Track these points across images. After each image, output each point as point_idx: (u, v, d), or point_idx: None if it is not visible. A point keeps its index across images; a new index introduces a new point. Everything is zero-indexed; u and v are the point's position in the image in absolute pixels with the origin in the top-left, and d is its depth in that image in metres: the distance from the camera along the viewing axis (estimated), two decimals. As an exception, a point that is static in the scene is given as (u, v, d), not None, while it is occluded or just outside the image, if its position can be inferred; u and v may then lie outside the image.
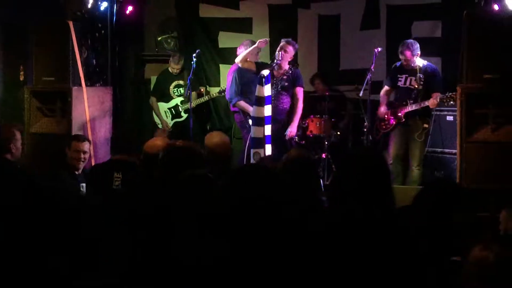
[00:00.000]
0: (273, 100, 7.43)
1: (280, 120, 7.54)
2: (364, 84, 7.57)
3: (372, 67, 7.52)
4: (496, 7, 6.79)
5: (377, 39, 8.57)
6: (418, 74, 7.42)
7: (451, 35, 8.20)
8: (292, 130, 7.53)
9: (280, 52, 7.46)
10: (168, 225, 2.83)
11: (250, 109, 7.70)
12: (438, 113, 7.88)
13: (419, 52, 7.45)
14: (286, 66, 7.59)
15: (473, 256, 3.28)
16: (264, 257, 2.31)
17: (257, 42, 7.67)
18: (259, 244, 2.33)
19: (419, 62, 7.49)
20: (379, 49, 7.53)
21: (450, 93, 7.08)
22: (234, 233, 2.35)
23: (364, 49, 8.54)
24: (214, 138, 5.15)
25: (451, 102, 7.13)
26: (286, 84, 7.54)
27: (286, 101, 7.57)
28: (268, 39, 7.85)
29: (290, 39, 7.59)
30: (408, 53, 7.38)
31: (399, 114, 7.56)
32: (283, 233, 2.39)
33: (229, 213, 2.38)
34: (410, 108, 7.45)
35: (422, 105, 7.36)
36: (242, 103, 7.95)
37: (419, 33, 8.59)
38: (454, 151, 6.82)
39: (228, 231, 2.37)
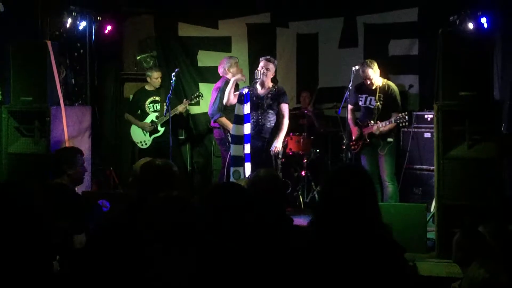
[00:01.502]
0: (261, 119, 7.46)
1: (266, 138, 7.52)
2: (343, 102, 7.65)
3: (350, 85, 7.59)
4: (470, 25, 6.90)
5: (355, 57, 8.65)
6: (378, 94, 7.48)
7: (428, 52, 8.32)
8: (277, 146, 7.47)
9: (261, 70, 7.46)
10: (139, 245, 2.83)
11: (230, 126, 7.73)
12: (416, 130, 7.97)
13: (378, 71, 7.51)
14: (269, 84, 7.59)
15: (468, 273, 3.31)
16: (238, 271, 2.32)
17: (234, 77, 7.67)
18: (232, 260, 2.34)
19: (379, 81, 7.55)
20: (357, 67, 7.59)
21: (402, 114, 7.26)
22: (206, 248, 2.37)
23: (342, 67, 8.63)
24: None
25: (406, 123, 7.31)
26: (271, 102, 7.53)
27: (272, 119, 7.56)
28: (244, 77, 7.85)
29: (269, 57, 7.61)
30: (368, 71, 7.44)
31: (363, 134, 7.63)
32: (254, 248, 2.41)
33: (202, 228, 2.40)
34: (370, 130, 7.51)
35: (377, 128, 7.43)
36: (224, 120, 7.97)
37: (396, 51, 8.71)
38: (432, 167, 6.89)
39: (201, 245, 2.38)
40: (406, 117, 7.29)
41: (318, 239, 2.69)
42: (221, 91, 7.95)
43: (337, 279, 2.56)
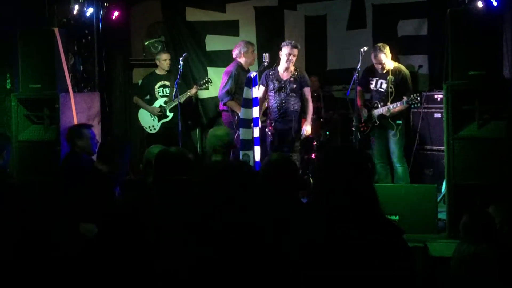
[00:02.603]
0: (284, 103, 7.56)
1: (291, 120, 7.61)
2: (351, 84, 7.61)
3: (358, 67, 7.55)
4: (480, 4, 6.82)
5: (363, 39, 8.61)
6: (389, 77, 7.46)
7: (437, 32, 8.26)
8: (307, 128, 7.63)
9: (288, 57, 7.51)
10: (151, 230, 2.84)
11: (240, 110, 7.75)
12: (426, 110, 7.93)
13: (389, 55, 7.48)
14: (292, 68, 7.65)
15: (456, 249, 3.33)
16: (245, 259, 2.32)
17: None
18: (240, 245, 2.34)
19: (390, 64, 7.52)
20: (365, 48, 7.56)
21: (414, 95, 7.27)
22: (215, 234, 2.36)
23: (351, 48, 8.58)
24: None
25: (418, 104, 7.35)
26: (295, 86, 7.61)
27: (295, 102, 7.64)
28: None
29: (293, 42, 7.61)
30: (381, 56, 7.42)
31: (373, 116, 7.63)
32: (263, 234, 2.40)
33: (209, 213, 2.40)
34: (381, 111, 7.50)
35: (387, 109, 7.43)
36: (233, 103, 8.00)
37: (405, 32, 8.66)
38: (442, 148, 6.85)
39: (209, 232, 2.38)
40: (418, 98, 7.29)
41: (315, 219, 2.69)
42: (233, 74, 7.96)
43: (338, 264, 2.55)
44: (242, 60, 8.10)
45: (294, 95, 7.61)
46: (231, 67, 8.15)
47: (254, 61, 8.25)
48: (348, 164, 2.73)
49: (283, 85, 7.61)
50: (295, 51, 7.55)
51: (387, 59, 7.47)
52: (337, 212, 2.64)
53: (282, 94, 7.59)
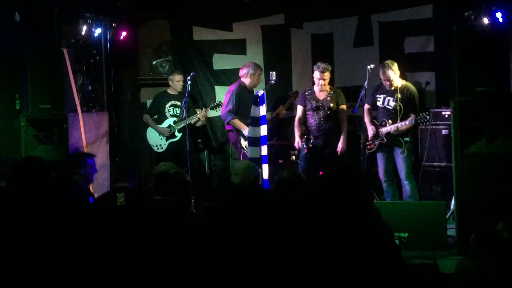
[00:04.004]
0: (323, 121, 7.88)
1: (330, 138, 7.95)
2: (359, 101, 7.62)
3: (365, 84, 7.57)
4: (485, 20, 6.85)
5: (370, 56, 8.63)
6: (397, 94, 7.47)
7: (443, 49, 8.27)
8: (343, 146, 7.85)
9: (318, 81, 7.83)
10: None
11: (244, 128, 7.93)
12: (433, 127, 7.92)
13: (397, 72, 7.50)
14: (327, 87, 7.91)
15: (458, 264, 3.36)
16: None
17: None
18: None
19: (398, 82, 7.54)
20: (372, 65, 7.59)
21: (423, 114, 7.31)
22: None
23: (357, 66, 8.60)
24: None
25: (427, 123, 7.45)
26: (331, 104, 7.86)
27: (333, 121, 7.92)
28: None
29: (321, 66, 7.84)
30: (389, 72, 7.44)
31: (380, 134, 7.63)
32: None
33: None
34: (388, 129, 7.51)
35: (395, 128, 7.47)
36: (237, 121, 8.06)
37: (412, 49, 8.67)
38: (450, 164, 6.83)
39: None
40: (427, 116, 7.31)
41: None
42: (234, 94, 8.04)
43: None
44: (246, 80, 8.18)
45: (332, 113, 7.86)
46: (233, 86, 8.25)
47: (257, 85, 8.30)
48: (345, 182, 2.80)
49: (320, 104, 7.86)
50: (324, 75, 7.81)
51: (395, 76, 7.49)
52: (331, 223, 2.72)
53: (320, 113, 7.86)
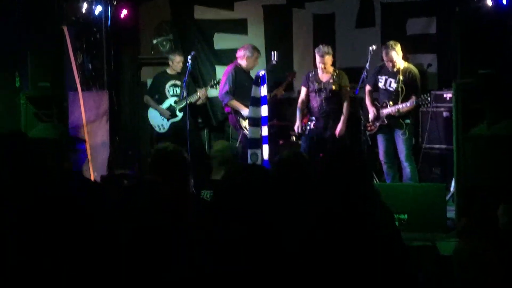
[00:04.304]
0: (324, 103, 7.81)
1: (331, 121, 7.86)
2: (360, 82, 7.59)
3: (367, 65, 7.53)
4: (489, 2, 6.79)
5: (372, 37, 8.57)
6: (399, 76, 7.44)
7: (446, 31, 8.22)
8: (341, 128, 7.78)
9: (319, 65, 7.77)
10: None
11: (242, 108, 7.90)
12: (434, 109, 7.89)
13: (400, 53, 7.46)
14: (330, 69, 7.87)
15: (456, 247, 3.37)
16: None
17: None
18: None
19: (401, 63, 7.50)
20: (374, 47, 7.55)
21: (424, 95, 7.28)
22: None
23: (359, 47, 8.55)
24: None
25: (428, 105, 7.43)
26: (333, 87, 7.80)
27: (335, 103, 7.84)
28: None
29: (321, 49, 7.77)
30: (392, 53, 7.40)
31: (381, 115, 7.61)
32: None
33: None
34: (389, 111, 7.49)
35: (397, 109, 7.43)
36: (235, 102, 8.04)
37: (414, 30, 8.62)
38: (451, 146, 6.83)
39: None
40: (429, 98, 7.29)
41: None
42: (231, 75, 8.06)
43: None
44: (243, 62, 8.15)
45: (334, 95, 7.81)
46: (229, 67, 8.23)
47: (254, 67, 8.25)
48: (345, 164, 2.80)
49: (322, 86, 7.81)
50: (324, 59, 7.74)
51: (398, 58, 7.44)
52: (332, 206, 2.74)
53: (322, 95, 7.80)
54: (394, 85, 7.51)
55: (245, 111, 7.83)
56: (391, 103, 7.51)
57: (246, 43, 8.41)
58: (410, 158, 7.54)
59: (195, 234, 2.68)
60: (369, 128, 7.72)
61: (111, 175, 5.68)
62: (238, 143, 7.99)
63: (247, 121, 7.79)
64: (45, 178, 3.37)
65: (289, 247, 2.45)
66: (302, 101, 8.00)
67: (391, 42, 7.47)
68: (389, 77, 7.57)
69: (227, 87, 8.06)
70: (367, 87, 7.75)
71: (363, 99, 7.81)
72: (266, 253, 2.33)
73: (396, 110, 7.44)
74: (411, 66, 7.59)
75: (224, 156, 5.05)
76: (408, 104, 7.38)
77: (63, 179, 4.41)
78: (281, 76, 8.79)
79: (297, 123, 7.95)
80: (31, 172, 3.56)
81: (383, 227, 2.86)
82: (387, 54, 7.45)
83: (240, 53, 8.21)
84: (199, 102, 8.65)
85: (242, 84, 8.02)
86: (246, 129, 7.84)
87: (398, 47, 7.43)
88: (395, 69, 7.49)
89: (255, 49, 8.24)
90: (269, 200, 2.42)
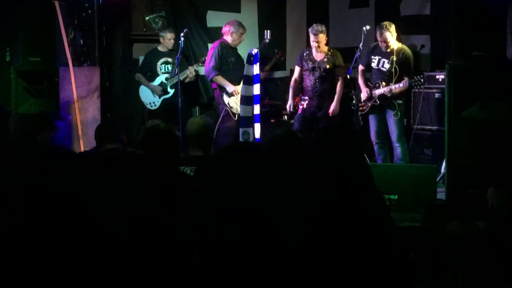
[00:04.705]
0: (318, 82, 7.75)
1: (325, 100, 7.82)
2: (353, 63, 7.58)
3: (360, 45, 7.52)
4: (484, -16, 6.78)
5: (366, 17, 8.55)
6: (392, 56, 7.42)
7: (440, 12, 8.19)
8: (335, 108, 7.74)
9: (313, 44, 7.70)
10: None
11: (227, 84, 7.94)
12: (427, 90, 7.90)
13: (394, 34, 7.44)
14: (325, 48, 7.81)
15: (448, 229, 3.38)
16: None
17: (229, 87, 7.97)
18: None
19: (395, 44, 7.48)
20: (368, 27, 7.53)
21: (418, 76, 7.30)
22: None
23: (353, 27, 8.53)
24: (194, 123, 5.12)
25: (421, 86, 7.44)
26: (328, 66, 7.74)
27: (329, 82, 7.80)
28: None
29: (314, 28, 7.70)
30: (386, 34, 7.38)
31: (373, 96, 7.61)
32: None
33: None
34: (382, 91, 7.49)
35: (389, 90, 7.43)
36: (220, 78, 8.04)
37: (408, 11, 8.59)
38: (442, 128, 6.85)
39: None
40: (422, 79, 7.29)
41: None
42: (216, 50, 8.04)
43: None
44: (228, 38, 8.15)
45: (328, 75, 7.75)
46: (215, 43, 8.21)
47: (239, 44, 8.24)
48: (338, 142, 2.80)
49: (316, 65, 7.76)
50: (318, 37, 7.66)
51: (392, 38, 7.42)
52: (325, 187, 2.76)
53: (316, 74, 7.75)
54: (387, 65, 7.50)
55: (230, 88, 7.88)
56: (383, 83, 7.51)
57: (232, 19, 8.36)
58: (401, 138, 7.55)
59: (187, 214, 2.66)
60: (361, 108, 7.72)
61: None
62: (219, 119, 7.98)
63: (231, 98, 7.83)
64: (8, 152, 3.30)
65: (286, 237, 2.44)
66: (295, 80, 7.97)
67: (386, 23, 7.45)
68: (383, 57, 7.56)
69: (212, 63, 8.04)
70: (360, 67, 7.73)
71: (356, 79, 7.79)
72: (262, 242, 2.32)
73: (389, 90, 7.44)
74: (405, 47, 7.57)
75: (199, 132, 4.96)
76: (401, 85, 7.38)
77: (28, 152, 4.34)
78: (271, 55, 8.76)
79: (289, 102, 7.93)
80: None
81: (374, 209, 2.85)
82: (381, 34, 7.43)
83: (225, 29, 8.19)
84: (187, 80, 8.61)
85: (227, 60, 8.02)
86: (229, 105, 7.86)
87: (393, 28, 7.41)
88: (388, 50, 7.48)
89: (240, 25, 8.19)
90: (264, 183, 2.39)
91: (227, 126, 8.06)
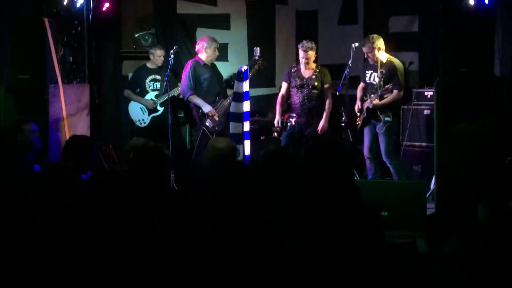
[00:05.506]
0: (306, 99, 7.78)
1: (313, 117, 7.84)
2: (342, 79, 7.62)
3: (349, 62, 7.55)
4: (471, 1, 6.84)
5: (355, 34, 8.60)
6: (380, 70, 7.45)
7: (428, 29, 8.27)
8: (323, 125, 7.76)
9: (302, 60, 7.74)
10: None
11: (203, 104, 7.98)
12: (416, 107, 7.94)
13: (380, 47, 7.46)
14: (313, 65, 7.83)
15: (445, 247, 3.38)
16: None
17: (206, 108, 8.00)
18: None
19: (382, 57, 7.51)
20: (356, 44, 7.57)
21: (388, 85, 7.31)
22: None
23: (342, 44, 8.58)
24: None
25: (388, 94, 7.38)
26: (316, 83, 7.76)
27: (316, 99, 7.82)
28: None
29: (304, 44, 7.74)
30: (367, 46, 7.42)
31: (363, 109, 7.64)
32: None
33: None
34: (367, 104, 7.52)
35: (369, 102, 7.47)
36: (194, 97, 8.05)
37: (396, 28, 8.67)
38: (431, 144, 6.88)
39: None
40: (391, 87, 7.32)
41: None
42: (189, 70, 8.06)
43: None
44: (203, 55, 8.14)
45: (316, 92, 7.77)
46: (189, 63, 8.21)
47: (215, 58, 8.25)
48: (326, 158, 2.83)
49: (305, 82, 7.77)
50: (308, 54, 7.70)
51: (375, 50, 7.43)
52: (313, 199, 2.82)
53: (304, 91, 7.76)
54: (377, 79, 7.51)
55: (205, 108, 7.91)
56: (372, 96, 7.52)
57: (205, 36, 8.37)
58: (390, 155, 7.54)
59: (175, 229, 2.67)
60: (357, 123, 7.75)
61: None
62: (198, 140, 7.97)
63: (207, 118, 7.83)
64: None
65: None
66: (282, 96, 7.97)
67: (372, 35, 7.50)
68: (374, 71, 7.58)
69: (186, 82, 8.06)
70: (361, 84, 7.80)
71: (345, 96, 7.81)
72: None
73: (369, 102, 7.45)
74: (393, 59, 7.56)
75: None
76: (377, 94, 7.37)
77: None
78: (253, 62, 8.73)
79: (277, 118, 7.92)
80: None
81: (364, 224, 2.86)
82: (363, 45, 7.48)
83: (198, 46, 8.20)
84: (177, 94, 8.62)
85: (199, 78, 8.02)
86: (206, 124, 7.87)
87: (380, 40, 7.43)
88: (375, 63, 7.48)
89: (212, 39, 8.19)
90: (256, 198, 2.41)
91: (205, 143, 8.04)
